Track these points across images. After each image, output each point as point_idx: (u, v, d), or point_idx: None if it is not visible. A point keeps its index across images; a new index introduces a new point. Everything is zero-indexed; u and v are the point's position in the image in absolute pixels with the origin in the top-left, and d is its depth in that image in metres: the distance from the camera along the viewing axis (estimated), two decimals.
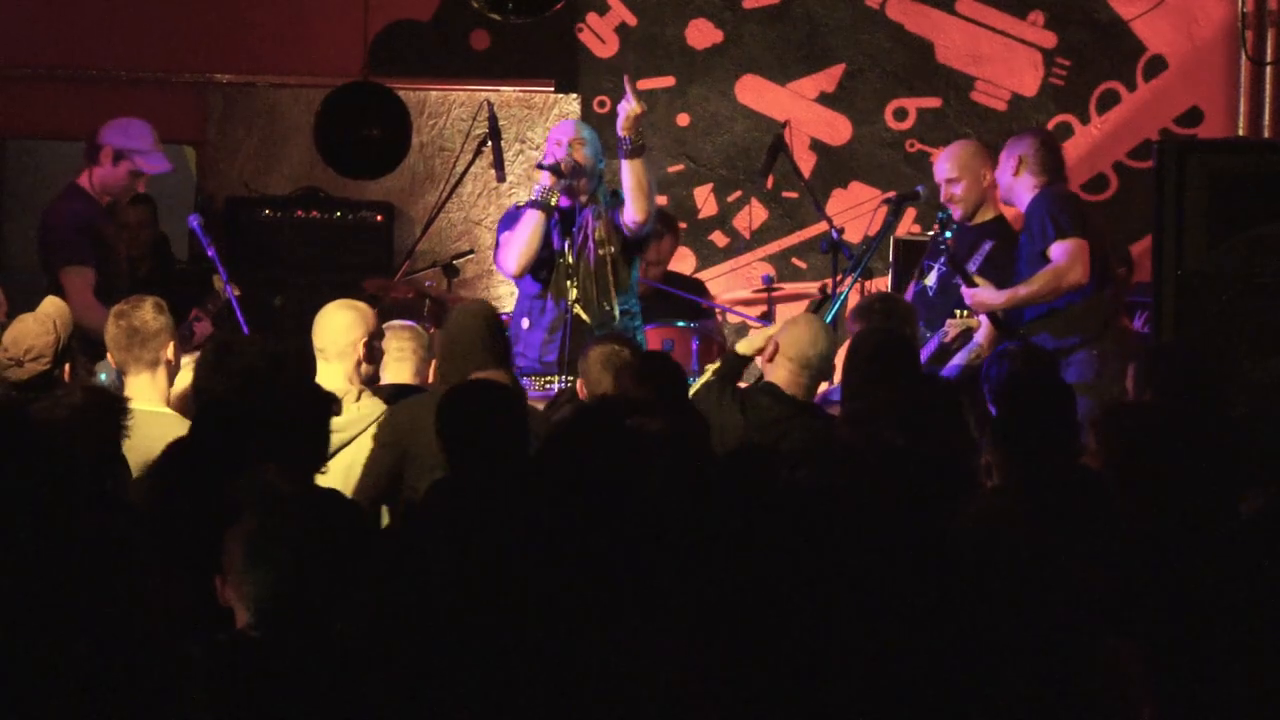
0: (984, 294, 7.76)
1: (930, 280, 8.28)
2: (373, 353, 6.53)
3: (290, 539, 4.14)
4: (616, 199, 7.91)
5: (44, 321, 6.13)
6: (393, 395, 6.51)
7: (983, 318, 7.97)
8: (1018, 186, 7.99)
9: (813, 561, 4.26)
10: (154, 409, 6.00)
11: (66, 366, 6.14)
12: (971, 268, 8.08)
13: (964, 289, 7.80)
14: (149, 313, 6.22)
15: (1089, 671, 3.93)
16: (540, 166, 7.93)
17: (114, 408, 5.35)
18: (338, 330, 6.51)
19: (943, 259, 8.19)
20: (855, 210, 9.96)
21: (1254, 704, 4.21)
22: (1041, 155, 7.96)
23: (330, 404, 5.59)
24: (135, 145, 8.03)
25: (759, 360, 6.75)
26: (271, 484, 5.03)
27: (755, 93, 10.43)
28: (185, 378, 6.33)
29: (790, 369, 6.52)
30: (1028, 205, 7.92)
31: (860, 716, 3.90)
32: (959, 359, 7.94)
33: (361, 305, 6.73)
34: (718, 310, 9.54)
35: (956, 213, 8.17)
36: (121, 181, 8.05)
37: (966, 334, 7.96)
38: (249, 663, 3.97)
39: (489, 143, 8.91)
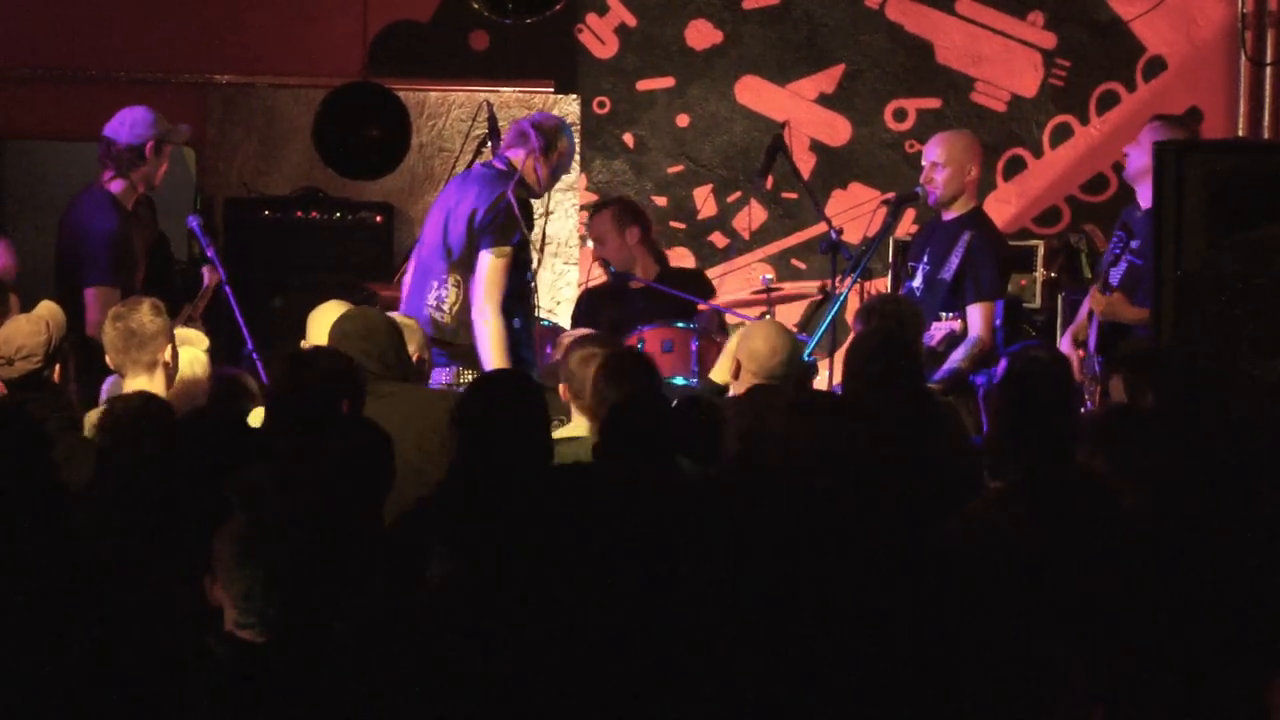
0: (1120, 306, 7.70)
1: (917, 281, 8.29)
2: None
3: (280, 538, 4.14)
4: None
5: (36, 322, 6.14)
6: None
7: (973, 319, 7.98)
8: (1151, 176, 7.90)
9: (807, 564, 4.27)
10: None
11: (57, 367, 6.14)
12: (953, 260, 8.09)
13: (1094, 293, 7.75)
14: (147, 314, 6.23)
15: (1044, 676, 3.94)
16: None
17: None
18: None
19: (925, 259, 8.23)
20: (854, 211, 9.95)
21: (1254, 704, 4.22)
22: None
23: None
24: (165, 126, 8.03)
25: (731, 383, 6.74)
26: (261, 483, 5.02)
27: (755, 93, 10.43)
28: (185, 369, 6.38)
29: (750, 371, 6.54)
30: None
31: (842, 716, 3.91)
32: (952, 362, 7.94)
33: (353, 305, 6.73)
34: (717, 311, 9.53)
35: (932, 196, 8.24)
36: (164, 165, 8.05)
37: (951, 338, 7.96)
38: (237, 662, 3.96)
39: (488, 143, 8.91)
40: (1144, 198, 7.96)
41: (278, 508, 4.49)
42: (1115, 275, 7.82)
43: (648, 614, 4.13)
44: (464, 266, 7.79)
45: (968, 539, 4.52)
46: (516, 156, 7.92)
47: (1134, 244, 7.86)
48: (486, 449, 5.17)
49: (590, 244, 9.53)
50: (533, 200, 8.03)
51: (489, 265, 7.73)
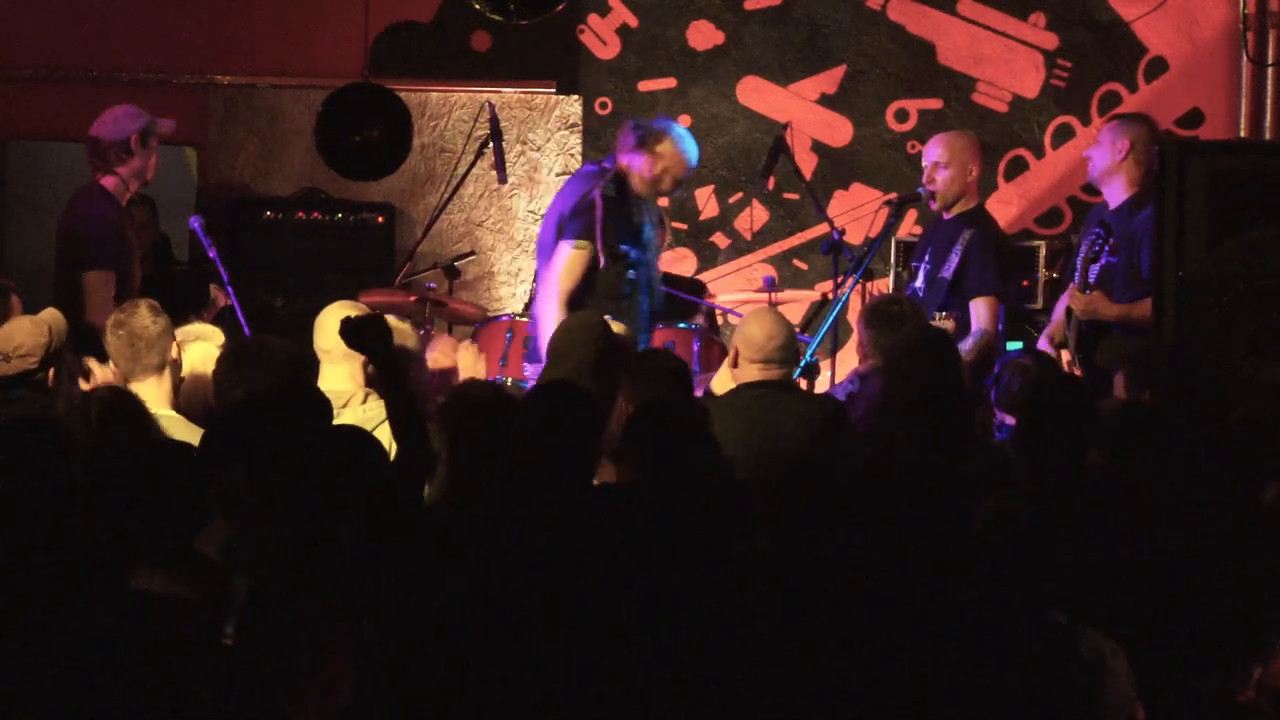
0: (1101, 304, 7.68)
1: (919, 281, 8.30)
2: None
3: (263, 543, 4.13)
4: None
5: (39, 324, 6.15)
6: None
7: (976, 313, 7.98)
8: (1117, 174, 7.90)
9: (829, 557, 4.27)
10: (160, 413, 6.01)
11: (51, 371, 6.15)
12: (953, 258, 8.09)
13: (1072, 292, 7.73)
14: (147, 318, 6.24)
15: (1078, 668, 3.95)
16: None
17: (139, 409, 5.39)
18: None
19: (926, 258, 8.24)
20: (856, 212, 9.96)
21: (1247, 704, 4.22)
22: (1149, 152, 7.81)
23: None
24: (146, 120, 8.03)
25: (731, 371, 6.78)
26: (244, 488, 5.01)
27: (756, 94, 10.43)
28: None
29: (756, 367, 6.57)
30: (1129, 211, 7.81)
31: (857, 712, 3.91)
32: None
33: (364, 306, 6.72)
34: (719, 311, 9.54)
35: (934, 201, 8.25)
36: (154, 158, 8.06)
37: None
38: (227, 666, 3.96)
39: (490, 144, 8.92)
40: (1111, 197, 7.97)
41: (261, 514, 4.49)
42: (1093, 273, 7.82)
43: (667, 613, 4.14)
44: None
45: (985, 538, 4.51)
46: (621, 160, 8.05)
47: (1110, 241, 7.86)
48: (533, 457, 5.19)
49: None
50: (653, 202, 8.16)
51: (564, 255, 7.88)
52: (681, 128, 8.23)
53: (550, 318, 7.66)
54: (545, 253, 8.07)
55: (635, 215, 8.04)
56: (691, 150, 8.10)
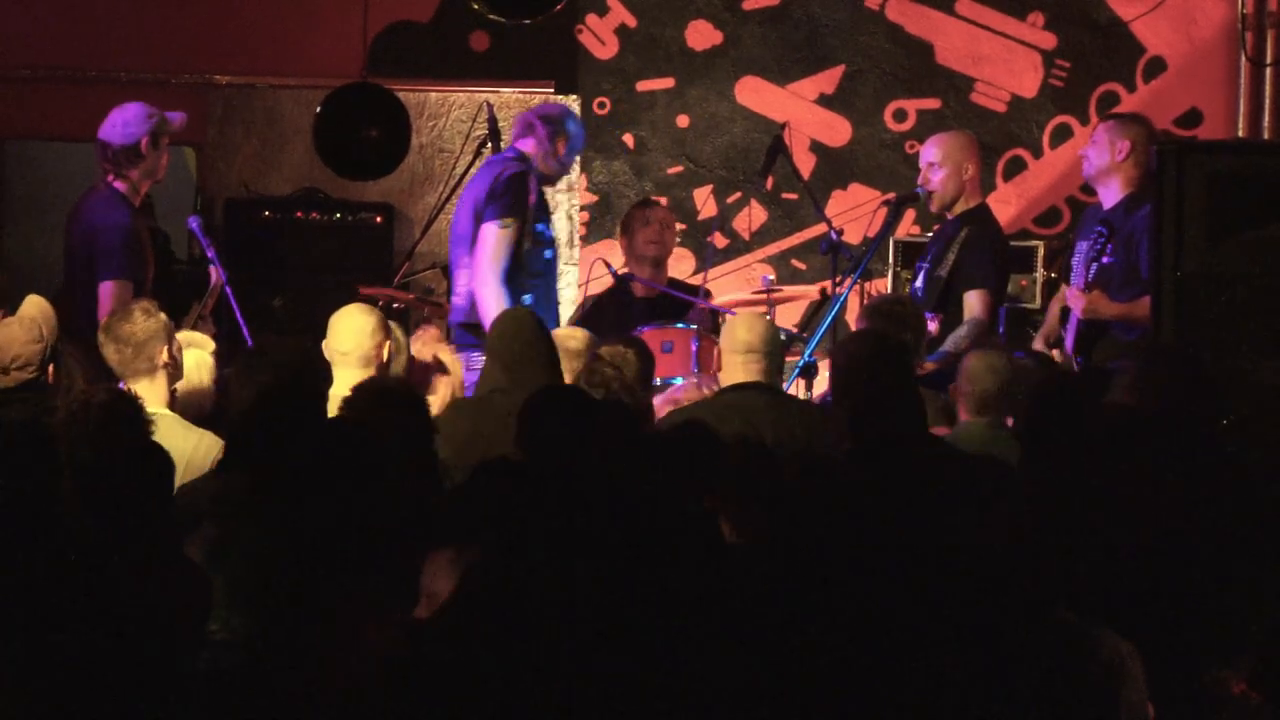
0: (1102, 303, 7.67)
1: (918, 281, 8.31)
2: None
3: (248, 548, 4.13)
4: None
5: (31, 329, 6.11)
6: None
7: (971, 304, 7.98)
8: (1115, 173, 7.89)
9: (815, 561, 4.27)
10: (155, 412, 5.99)
11: (51, 369, 6.14)
12: (950, 256, 8.10)
13: (1072, 292, 7.71)
14: (138, 321, 6.20)
15: (1089, 670, 3.95)
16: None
17: (138, 409, 5.39)
18: (362, 334, 6.44)
19: (928, 259, 8.25)
20: (855, 212, 9.96)
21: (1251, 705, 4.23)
22: (1147, 152, 7.78)
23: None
24: (155, 120, 8.02)
25: (718, 373, 6.79)
26: (233, 490, 5.00)
27: (755, 94, 10.43)
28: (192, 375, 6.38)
29: (736, 360, 6.56)
30: (1125, 210, 7.81)
31: (862, 715, 3.91)
32: (948, 344, 7.92)
33: (377, 309, 6.72)
34: (719, 313, 9.53)
35: (933, 202, 8.26)
36: (164, 157, 8.06)
37: (930, 339, 7.95)
38: (215, 665, 3.96)
39: (488, 144, 8.93)
40: (1106, 196, 7.97)
41: (248, 516, 4.49)
42: (1092, 272, 7.83)
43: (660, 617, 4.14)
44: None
45: (988, 538, 4.51)
46: (526, 147, 8.21)
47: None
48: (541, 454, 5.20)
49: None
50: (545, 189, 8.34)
51: (489, 235, 7.99)
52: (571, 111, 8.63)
53: (493, 301, 7.82)
54: (462, 243, 8.16)
55: (544, 197, 8.31)
56: (581, 131, 8.55)
